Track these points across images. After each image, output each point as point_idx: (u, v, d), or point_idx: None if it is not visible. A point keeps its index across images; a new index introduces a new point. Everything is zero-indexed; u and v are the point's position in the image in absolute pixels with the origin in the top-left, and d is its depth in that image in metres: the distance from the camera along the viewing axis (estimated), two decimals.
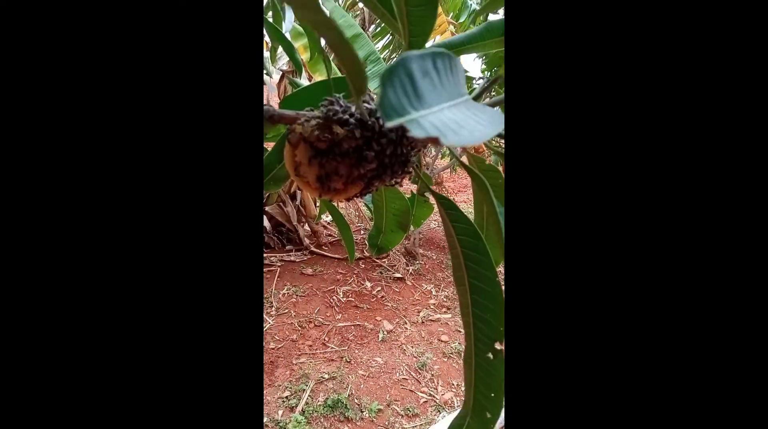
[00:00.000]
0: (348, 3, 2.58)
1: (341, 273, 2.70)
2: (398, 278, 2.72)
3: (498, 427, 0.31)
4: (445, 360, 2.00)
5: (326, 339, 2.09)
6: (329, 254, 2.90)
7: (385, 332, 2.17)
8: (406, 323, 2.27)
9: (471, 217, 0.33)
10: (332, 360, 1.94)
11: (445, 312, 2.41)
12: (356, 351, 2.02)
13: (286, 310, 2.29)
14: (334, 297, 2.44)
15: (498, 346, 0.28)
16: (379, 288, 2.59)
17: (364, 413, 1.64)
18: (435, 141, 0.13)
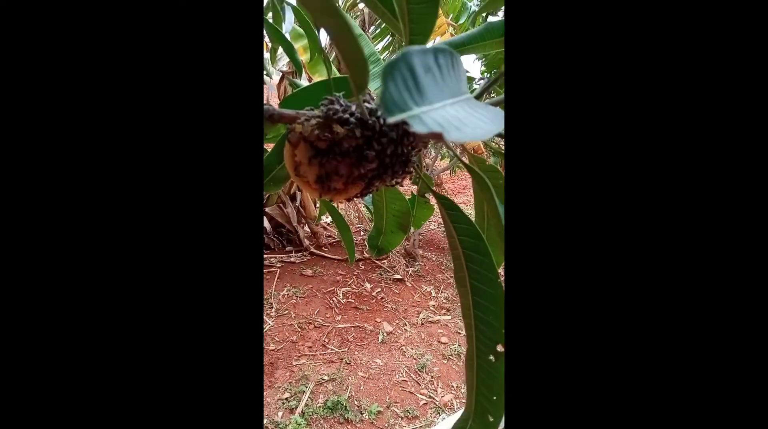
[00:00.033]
0: (348, 4, 2.58)
1: (341, 274, 2.70)
2: (398, 280, 2.71)
3: None
4: (445, 362, 1.99)
5: (326, 340, 2.08)
6: (329, 255, 2.90)
7: (385, 334, 2.17)
8: (405, 325, 2.26)
9: (471, 218, 0.33)
10: (332, 361, 1.94)
11: (444, 313, 2.41)
12: (356, 352, 2.01)
13: (286, 312, 2.28)
14: (334, 298, 2.44)
15: (500, 348, 0.27)
16: (379, 289, 2.59)
17: (364, 415, 1.64)
18: (438, 137, 0.13)
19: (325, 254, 2.91)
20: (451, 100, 0.17)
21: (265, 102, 0.37)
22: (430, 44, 0.34)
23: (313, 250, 2.92)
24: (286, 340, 2.06)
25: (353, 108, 0.30)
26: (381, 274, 2.76)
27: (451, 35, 2.38)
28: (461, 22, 2.62)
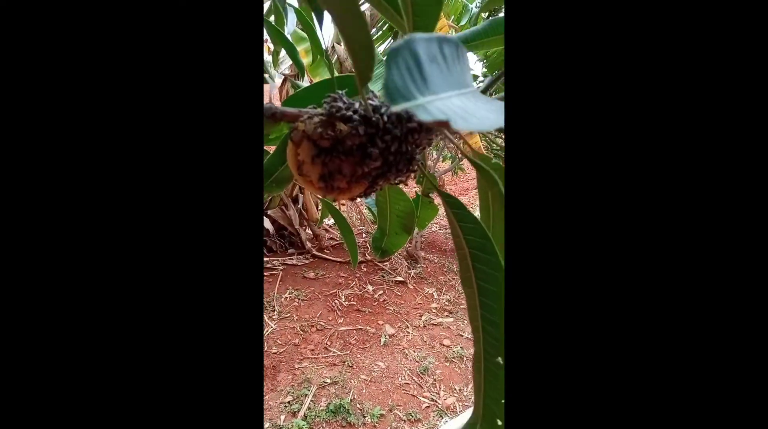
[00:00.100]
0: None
1: (343, 276, 2.69)
2: (400, 282, 2.70)
3: None
4: (448, 364, 1.98)
5: (328, 343, 2.07)
6: (331, 258, 2.89)
7: (387, 336, 2.16)
8: (408, 327, 2.26)
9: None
10: (334, 364, 1.93)
11: (447, 316, 2.40)
12: (358, 355, 2.00)
13: (288, 314, 2.27)
14: (336, 301, 2.43)
15: None
16: (381, 291, 2.58)
17: (367, 418, 1.63)
18: (444, 125, 0.13)
19: (327, 256, 2.90)
20: (456, 92, 0.16)
21: (267, 102, 0.36)
22: None
23: (315, 252, 2.92)
24: (288, 343, 2.05)
25: (356, 105, 0.29)
26: (383, 276, 2.75)
27: None
28: (462, 23, 2.62)
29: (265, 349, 1.99)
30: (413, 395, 1.78)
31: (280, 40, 0.64)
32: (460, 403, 1.75)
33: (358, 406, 1.69)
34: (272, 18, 0.72)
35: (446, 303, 2.53)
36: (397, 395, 1.77)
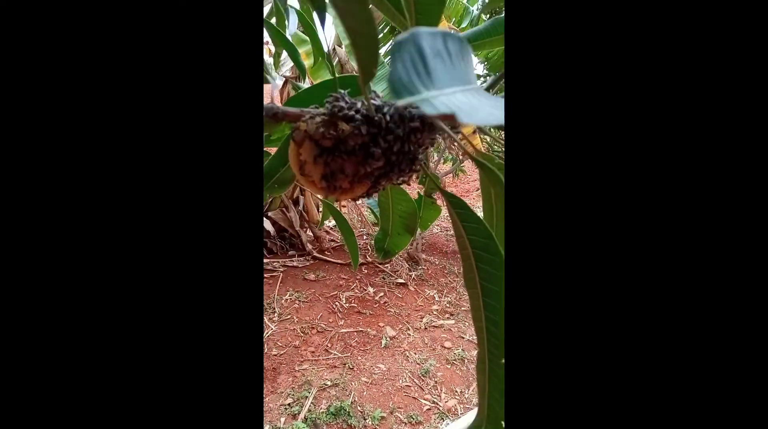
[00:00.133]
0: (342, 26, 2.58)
1: (344, 278, 2.69)
2: (401, 284, 2.70)
3: None
4: (449, 367, 1.97)
5: (329, 345, 2.07)
6: (332, 259, 2.89)
7: (388, 338, 2.15)
8: (409, 329, 2.25)
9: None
10: (335, 366, 1.92)
11: (448, 318, 2.39)
12: (359, 357, 2.00)
13: (289, 316, 2.27)
14: (337, 303, 2.43)
15: None
16: (382, 293, 2.57)
17: (367, 421, 1.62)
18: (450, 118, 0.12)
19: (328, 258, 2.90)
20: (460, 88, 0.16)
21: (269, 102, 0.36)
22: None
23: (315, 254, 2.92)
24: (288, 345, 2.05)
25: (359, 105, 0.29)
26: (384, 278, 2.74)
27: None
28: (463, 26, 2.63)
29: (266, 351, 1.98)
30: (414, 397, 1.77)
31: (281, 41, 0.64)
32: (462, 406, 1.75)
33: (359, 408, 1.68)
34: (273, 20, 0.72)
35: (447, 305, 2.52)
36: (398, 397, 1.76)
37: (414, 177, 0.32)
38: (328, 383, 1.80)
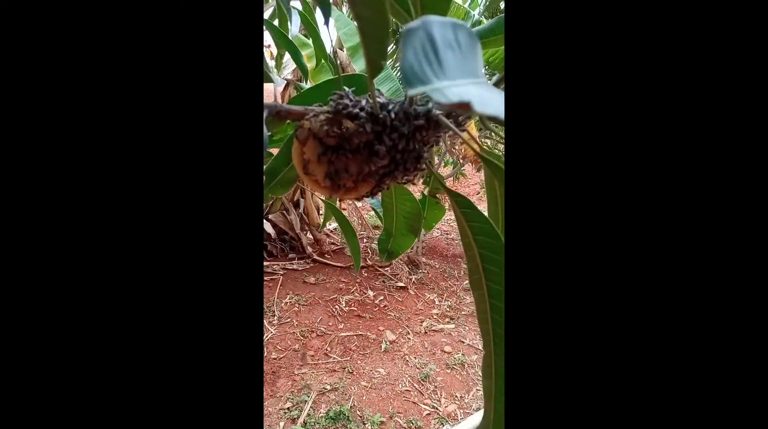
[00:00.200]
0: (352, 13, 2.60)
1: (344, 282, 2.68)
2: (401, 287, 2.69)
3: None
4: (449, 371, 1.96)
5: (328, 349, 2.05)
6: (332, 263, 2.88)
7: (388, 342, 2.14)
8: (408, 333, 2.24)
9: None
10: (334, 371, 1.91)
11: (448, 322, 2.38)
12: (359, 361, 1.98)
13: (288, 320, 2.26)
14: (337, 306, 2.42)
15: None
16: (382, 297, 2.56)
17: (367, 425, 1.61)
18: (465, 107, 0.12)
19: (328, 261, 2.89)
20: (471, 80, 0.16)
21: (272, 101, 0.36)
22: None
23: (316, 257, 2.91)
24: (288, 349, 2.03)
25: (363, 102, 0.29)
26: (384, 281, 2.73)
27: None
28: None
29: (265, 354, 1.97)
30: (414, 402, 1.76)
31: (283, 42, 0.64)
32: (462, 411, 1.73)
33: (358, 413, 1.67)
34: (276, 21, 0.72)
35: (447, 309, 2.51)
36: (397, 402, 1.75)
37: (419, 175, 0.31)
38: (328, 387, 1.79)
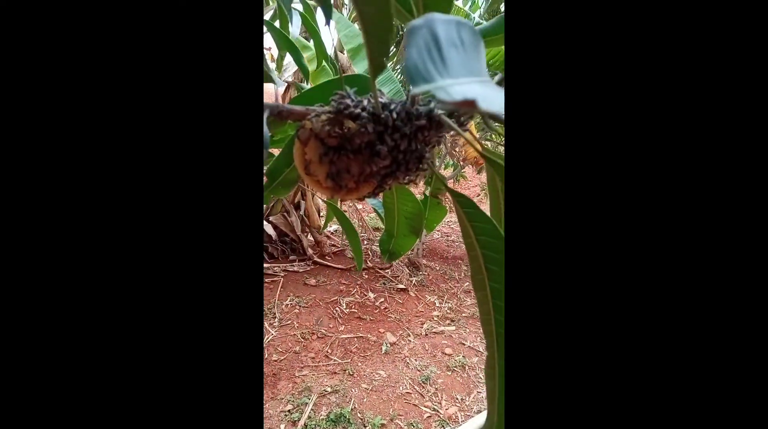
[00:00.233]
0: (353, 15, 2.61)
1: (344, 284, 2.67)
2: (401, 289, 2.68)
3: None
4: (449, 374, 1.95)
5: (329, 351, 2.05)
6: (332, 264, 2.88)
7: (389, 344, 2.13)
8: (409, 335, 2.23)
9: None
10: (335, 373, 1.90)
11: (449, 324, 2.37)
12: (359, 364, 1.98)
13: (289, 321, 2.25)
14: (337, 308, 2.41)
15: None
16: (383, 299, 2.56)
17: (367, 428, 1.60)
18: (470, 104, 0.12)
19: (329, 263, 2.89)
20: (475, 78, 0.15)
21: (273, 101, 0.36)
22: None
23: (316, 259, 2.90)
24: (288, 351, 2.03)
25: (365, 102, 0.29)
26: (384, 283, 2.73)
27: None
28: None
29: (266, 356, 1.97)
30: (415, 405, 1.75)
31: (284, 43, 0.64)
32: (462, 413, 1.73)
33: (359, 415, 1.66)
34: (277, 23, 0.72)
35: (448, 311, 2.50)
36: (398, 404, 1.74)
37: (421, 176, 0.31)
38: (328, 390, 1.78)
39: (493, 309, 0.27)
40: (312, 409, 1.66)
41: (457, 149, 2.05)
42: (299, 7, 0.72)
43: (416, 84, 0.13)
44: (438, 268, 3.05)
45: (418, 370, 1.95)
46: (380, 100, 0.29)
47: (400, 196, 0.42)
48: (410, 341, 2.18)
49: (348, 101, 0.29)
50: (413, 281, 2.78)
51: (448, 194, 0.33)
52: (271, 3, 0.99)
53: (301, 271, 2.78)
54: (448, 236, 3.71)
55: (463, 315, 2.47)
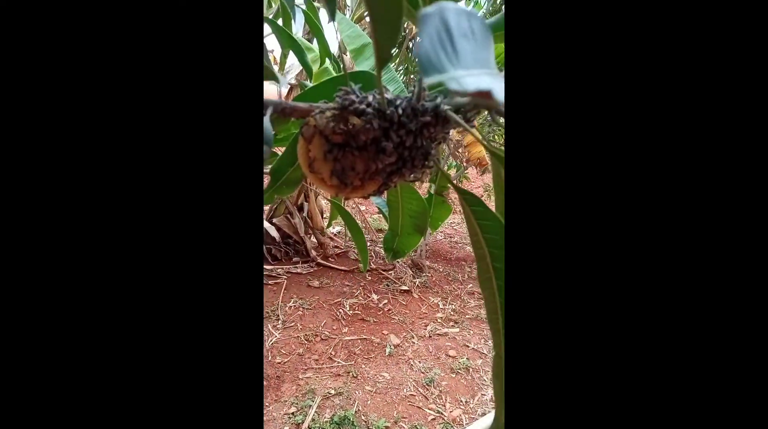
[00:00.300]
0: (356, 17, 2.61)
1: (348, 285, 2.67)
2: (405, 291, 2.68)
3: None
4: (453, 376, 1.94)
5: (333, 353, 2.04)
6: (336, 266, 2.88)
7: (392, 346, 2.13)
8: (413, 337, 2.22)
9: None
10: (339, 375, 1.90)
11: (452, 326, 2.36)
12: (363, 366, 1.97)
13: (293, 324, 2.25)
14: (341, 310, 2.41)
15: None
16: (386, 301, 2.55)
17: None
18: (486, 95, 0.11)
19: (332, 265, 2.88)
20: (486, 71, 0.15)
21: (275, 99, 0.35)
22: None
23: (320, 260, 2.90)
24: (292, 353, 2.02)
25: (370, 98, 0.28)
26: (388, 285, 2.72)
27: None
28: None
29: (269, 359, 1.96)
30: (419, 407, 1.74)
31: (287, 41, 0.64)
32: (467, 416, 1.71)
33: (363, 417, 1.65)
34: (279, 21, 0.72)
35: (451, 313, 2.49)
36: (402, 407, 1.73)
37: (426, 173, 0.31)
38: (332, 392, 1.77)
39: (500, 307, 0.27)
40: (316, 412, 1.66)
41: (460, 150, 2.04)
42: (302, 6, 0.72)
43: (428, 74, 0.12)
44: (441, 270, 3.04)
45: (422, 372, 1.95)
46: (386, 96, 0.28)
47: (405, 194, 0.41)
48: (414, 343, 2.17)
49: (353, 97, 0.28)
50: (416, 283, 2.78)
51: (452, 192, 0.32)
52: (273, 5, 0.99)
53: (304, 272, 2.78)
54: (451, 237, 3.70)
55: (467, 317, 2.46)
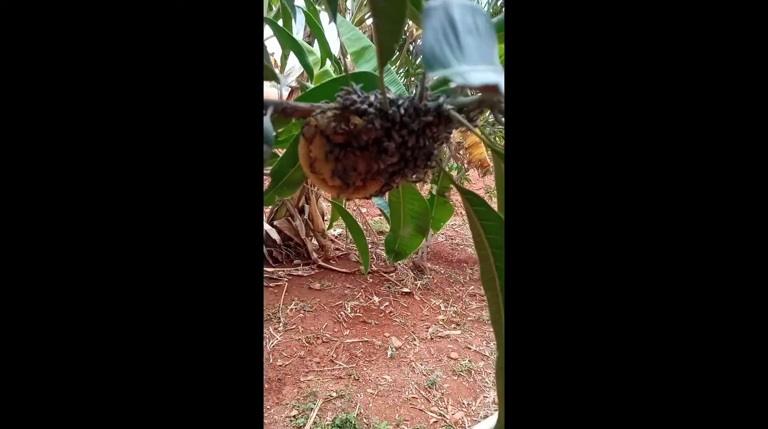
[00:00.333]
0: (357, 19, 2.62)
1: (349, 287, 2.66)
2: (406, 293, 2.67)
3: None
4: (455, 378, 1.94)
5: (334, 356, 2.04)
6: (337, 268, 2.87)
7: (394, 349, 2.12)
8: (414, 339, 2.22)
9: None
10: (340, 377, 1.89)
11: (454, 328, 2.36)
12: (364, 368, 1.97)
13: (294, 326, 2.25)
14: (342, 312, 2.40)
15: None
16: (387, 303, 2.54)
17: None
18: (492, 89, 0.11)
19: (333, 267, 2.88)
20: (490, 67, 0.15)
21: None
22: None
23: (321, 263, 2.90)
24: (293, 355, 2.02)
25: (372, 98, 0.28)
26: (389, 287, 2.72)
27: None
28: None
29: (271, 361, 1.96)
30: (421, 410, 1.73)
31: (287, 42, 0.64)
32: (469, 418, 1.71)
33: (365, 420, 1.65)
34: (280, 22, 0.72)
35: (453, 315, 2.49)
36: (404, 410, 1.72)
37: (429, 173, 0.31)
38: (334, 394, 1.77)
39: (504, 308, 0.26)
40: (317, 415, 1.65)
41: (461, 152, 2.04)
42: (303, 6, 0.72)
43: (433, 69, 0.12)
44: (443, 272, 3.04)
45: (424, 375, 1.94)
46: (388, 95, 0.28)
47: (407, 195, 0.41)
48: (416, 345, 2.17)
49: (354, 97, 0.28)
50: (418, 285, 2.77)
51: (453, 193, 0.32)
52: (273, 8, 1.00)
53: (305, 275, 2.78)
54: (452, 239, 3.70)
55: (469, 319, 2.45)
